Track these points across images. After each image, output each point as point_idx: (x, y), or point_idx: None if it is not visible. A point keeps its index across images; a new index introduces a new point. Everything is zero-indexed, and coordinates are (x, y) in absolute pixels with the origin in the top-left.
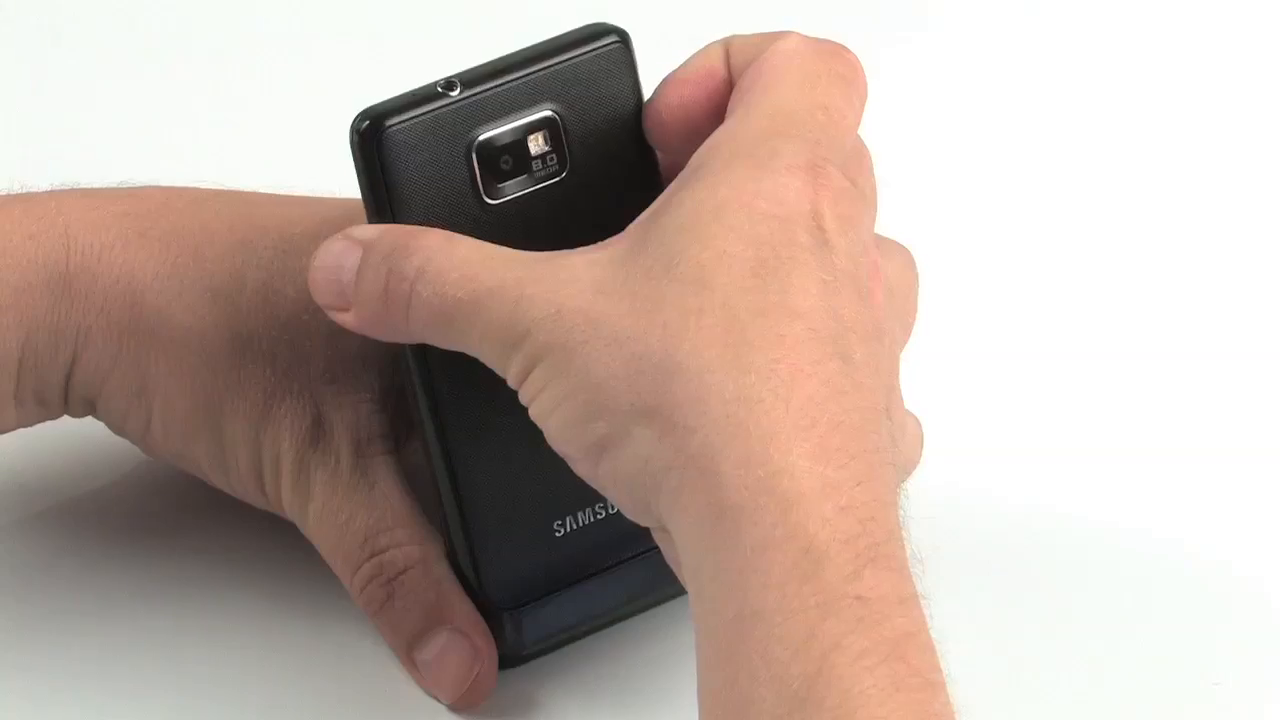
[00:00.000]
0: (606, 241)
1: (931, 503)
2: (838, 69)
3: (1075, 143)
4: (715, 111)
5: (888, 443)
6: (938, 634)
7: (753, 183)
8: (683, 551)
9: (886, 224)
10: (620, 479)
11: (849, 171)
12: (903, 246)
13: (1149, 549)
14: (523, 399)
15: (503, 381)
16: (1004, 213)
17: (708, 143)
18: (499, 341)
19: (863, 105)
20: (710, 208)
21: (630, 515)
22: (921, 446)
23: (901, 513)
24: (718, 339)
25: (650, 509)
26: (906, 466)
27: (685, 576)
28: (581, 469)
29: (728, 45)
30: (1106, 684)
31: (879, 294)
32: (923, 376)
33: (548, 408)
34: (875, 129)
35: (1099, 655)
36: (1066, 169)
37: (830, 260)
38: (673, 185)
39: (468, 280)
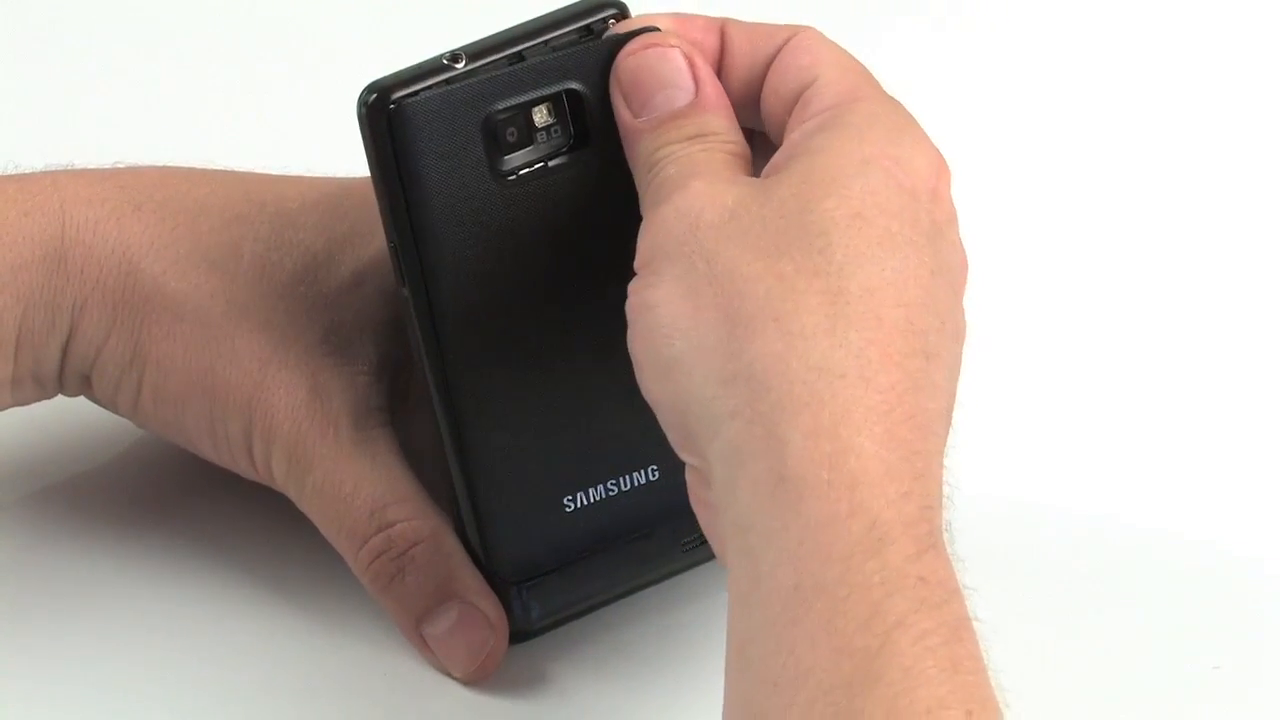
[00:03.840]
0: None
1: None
2: None
3: (1072, 143)
4: None
5: (943, 446)
6: None
7: (893, 146)
8: (730, 507)
9: None
10: (678, 406)
11: None
12: None
13: (1148, 542)
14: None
15: (516, 354)
16: (1002, 212)
17: (836, 96)
18: (658, 233)
19: None
20: (856, 160)
21: (671, 441)
22: None
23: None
24: (821, 306)
25: (695, 445)
26: None
27: (725, 529)
28: (644, 378)
29: (724, 27)
30: (1111, 667)
31: (963, 293)
32: None
33: (648, 302)
34: None
35: (1099, 642)
36: (1064, 169)
37: (941, 250)
38: (800, 131)
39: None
